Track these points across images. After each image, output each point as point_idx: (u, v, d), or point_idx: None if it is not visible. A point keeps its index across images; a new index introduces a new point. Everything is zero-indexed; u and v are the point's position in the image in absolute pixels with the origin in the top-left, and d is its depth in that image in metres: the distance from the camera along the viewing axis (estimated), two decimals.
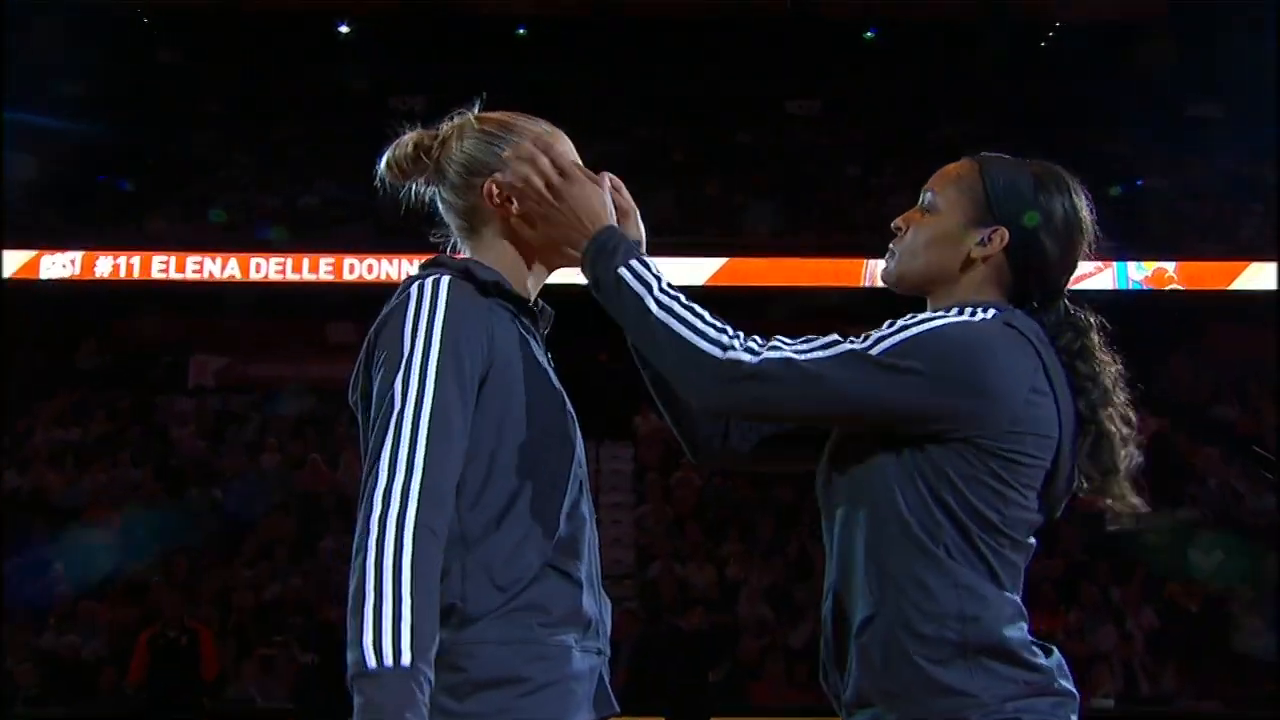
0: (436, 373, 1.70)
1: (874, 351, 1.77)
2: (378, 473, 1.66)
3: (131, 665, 9.02)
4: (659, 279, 1.83)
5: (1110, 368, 1.91)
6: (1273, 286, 15.69)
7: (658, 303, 1.80)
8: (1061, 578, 11.80)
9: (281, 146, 19.04)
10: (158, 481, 13.99)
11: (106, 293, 16.48)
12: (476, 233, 1.95)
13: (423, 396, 1.69)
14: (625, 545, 13.73)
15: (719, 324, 1.80)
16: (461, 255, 1.99)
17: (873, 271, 16.67)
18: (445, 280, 1.79)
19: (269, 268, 16.55)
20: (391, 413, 1.69)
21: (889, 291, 2.03)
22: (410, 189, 2.02)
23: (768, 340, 1.80)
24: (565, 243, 1.89)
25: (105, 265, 16.32)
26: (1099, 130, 18.03)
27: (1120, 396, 1.90)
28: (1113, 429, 1.87)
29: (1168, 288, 16.16)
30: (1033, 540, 1.86)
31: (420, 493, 1.65)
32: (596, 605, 1.85)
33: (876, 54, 19.34)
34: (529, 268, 1.95)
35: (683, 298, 1.82)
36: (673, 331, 1.78)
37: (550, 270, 2.00)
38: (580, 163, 1.97)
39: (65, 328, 16.64)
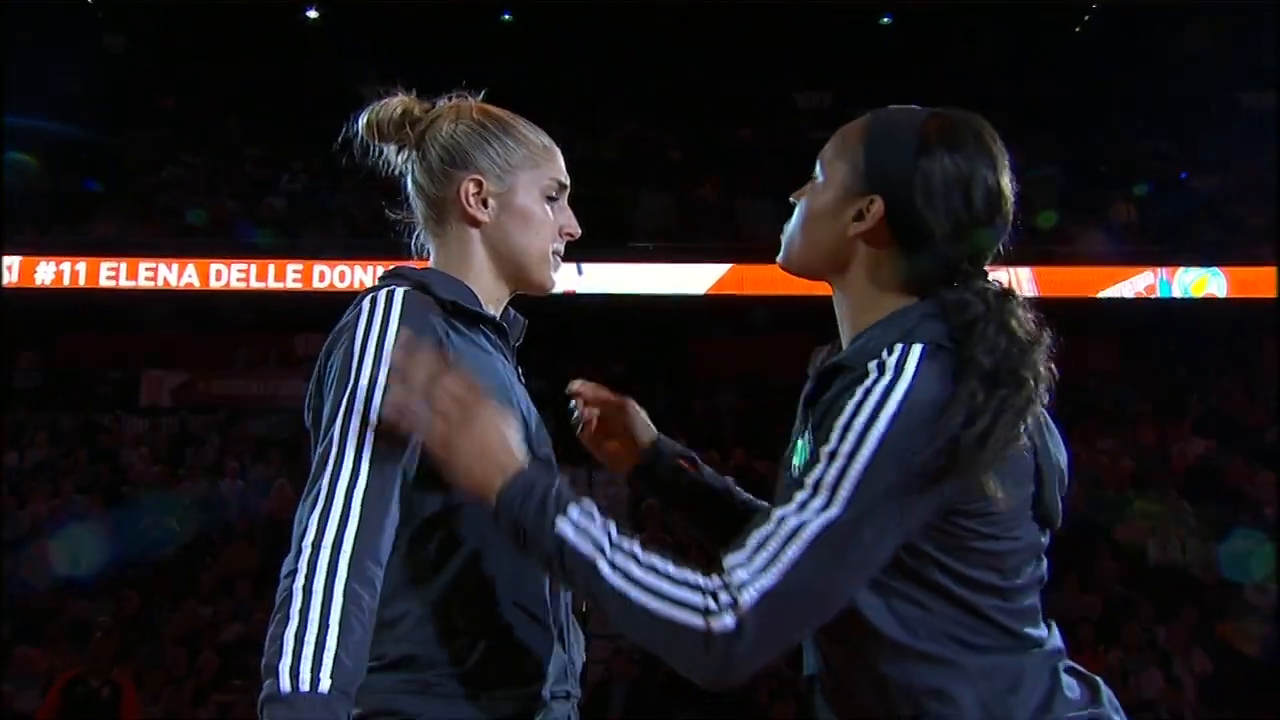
0: (384, 397, 1.70)
1: (834, 512, 1.55)
2: (316, 499, 1.68)
3: (37, 713, 8.70)
4: (607, 534, 1.61)
5: (1036, 334, 1.68)
6: None
7: (613, 567, 1.58)
8: (1100, 617, 11.71)
9: (239, 144, 18.99)
10: (107, 510, 13.92)
11: (47, 303, 16.34)
12: (442, 226, 1.96)
13: (366, 423, 1.70)
14: None
15: (686, 578, 1.57)
16: (424, 263, 1.99)
17: None
18: (399, 294, 1.80)
19: (230, 275, 16.44)
20: (333, 438, 1.71)
21: None
22: (381, 156, 2.01)
23: (722, 569, 1.57)
24: (471, 483, 1.69)
25: (47, 272, 16.22)
26: (1135, 123, 18.11)
27: (1044, 361, 1.67)
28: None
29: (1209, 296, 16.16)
30: (1042, 563, 1.76)
31: (357, 528, 1.66)
32: (565, 648, 1.86)
33: (892, 41, 19.40)
34: (499, 276, 1.96)
35: (639, 554, 1.60)
36: (642, 606, 1.56)
37: (529, 289, 2.00)
38: (568, 184, 1.97)
39: (1, 341, 16.56)
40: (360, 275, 16.02)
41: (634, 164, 18.10)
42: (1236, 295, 16.23)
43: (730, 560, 1.56)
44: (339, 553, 1.64)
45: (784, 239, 1.85)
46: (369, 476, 1.69)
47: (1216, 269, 16.30)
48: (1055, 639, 1.77)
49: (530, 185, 1.95)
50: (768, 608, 1.52)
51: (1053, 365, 1.68)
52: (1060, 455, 1.77)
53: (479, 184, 1.92)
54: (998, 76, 18.20)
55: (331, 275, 16.35)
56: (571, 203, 2.01)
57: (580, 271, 14.89)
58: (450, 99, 2.00)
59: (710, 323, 17.13)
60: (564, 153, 2.02)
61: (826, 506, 1.55)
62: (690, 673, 1.57)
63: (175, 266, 16.34)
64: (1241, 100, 19.07)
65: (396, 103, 1.99)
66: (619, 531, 1.62)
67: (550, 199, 1.97)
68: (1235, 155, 17.77)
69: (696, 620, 1.53)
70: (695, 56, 18.74)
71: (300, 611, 1.61)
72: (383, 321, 1.76)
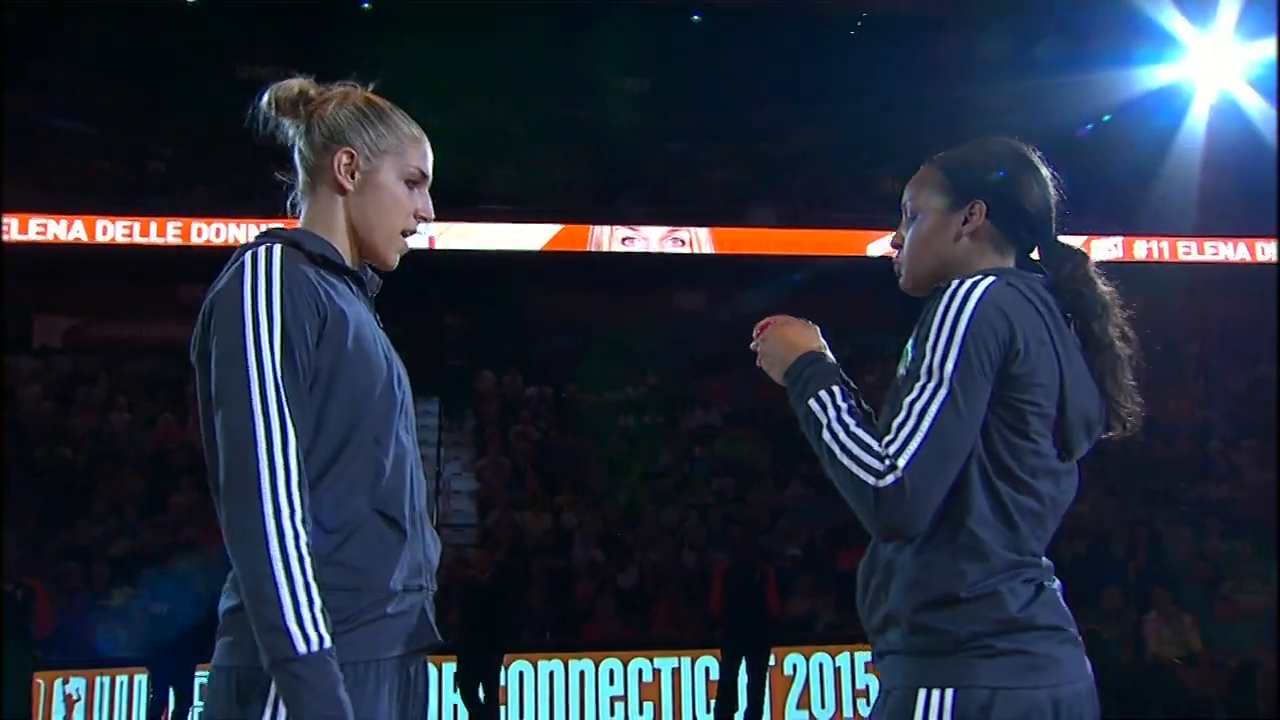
0: (282, 346, 1.71)
1: (945, 390, 1.76)
2: (250, 458, 1.66)
3: None
4: (839, 406, 1.83)
5: (1110, 293, 1.95)
6: None
7: (831, 433, 1.80)
8: None
9: (111, 110, 18.13)
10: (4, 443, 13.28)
11: None
12: (314, 190, 1.96)
13: (274, 374, 1.70)
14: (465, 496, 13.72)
15: (873, 447, 1.76)
16: (293, 223, 1.99)
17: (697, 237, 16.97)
18: (277, 249, 1.79)
19: (115, 231, 15.84)
20: (248, 393, 1.69)
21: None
22: (275, 126, 1.99)
23: (897, 421, 1.78)
24: (774, 372, 1.98)
25: None
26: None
27: (1121, 315, 1.94)
28: (1120, 350, 1.92)
29: None
30: (1061, 489, 1.88)
31: (297, 478, 1.67)
32: (422, 545, 1.87)
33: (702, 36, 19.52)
34: (353, 241, 1.96)
35: (850, 423, 1.80)
36: (843, 465, 1.77)
37: (373, 260, 2.00)
38: (429, 174, 1.98)
39: None
40: (235, 232, 15.59)
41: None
42: None
43: (886, 439, 1.76)
44: (293, 514, 1.65)
45: (902, 268, 2.04)
46: (284, 433, 1.69)
47: None
48: (1048, 561, 1.88)
49: (392, 168, 1.95)
50: (919, 466, 1.72)
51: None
52: (1090, 404, 1.89)
53: (351, 156, 1.93)
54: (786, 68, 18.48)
55: (209, 231, 15.90)
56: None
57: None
58: (342, 85, 2.01)
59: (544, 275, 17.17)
60: (421, 124, 2.01)
61: (940, 385, 1.76)
62: (869, 522, 1.77)
63: (64, 222, 15.72)
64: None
65: (295, 83, 1.97)
66: (851, 405, 1.84)
67: (410, 183, 1.98)
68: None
69: (870, 479, 1.74)
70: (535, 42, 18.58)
71: (284, 575, 1.63)
72: (266, 273, 1.76)
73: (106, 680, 9.37)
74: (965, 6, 18.26)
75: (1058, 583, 1.88)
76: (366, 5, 18.95)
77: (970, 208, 1.96)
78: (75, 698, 9.31)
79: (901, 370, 1.86)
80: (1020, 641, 1.76)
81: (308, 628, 1.61)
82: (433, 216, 2.01)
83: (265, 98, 1.97)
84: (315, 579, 1.64)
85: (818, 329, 2.01)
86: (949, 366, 1.76)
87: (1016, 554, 1.80)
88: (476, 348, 16.59)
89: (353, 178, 1.93)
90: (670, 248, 16.94)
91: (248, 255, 1.79)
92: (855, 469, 1.75)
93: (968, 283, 1.82)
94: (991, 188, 1.96)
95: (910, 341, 1.86)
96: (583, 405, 15.23)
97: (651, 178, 18.27)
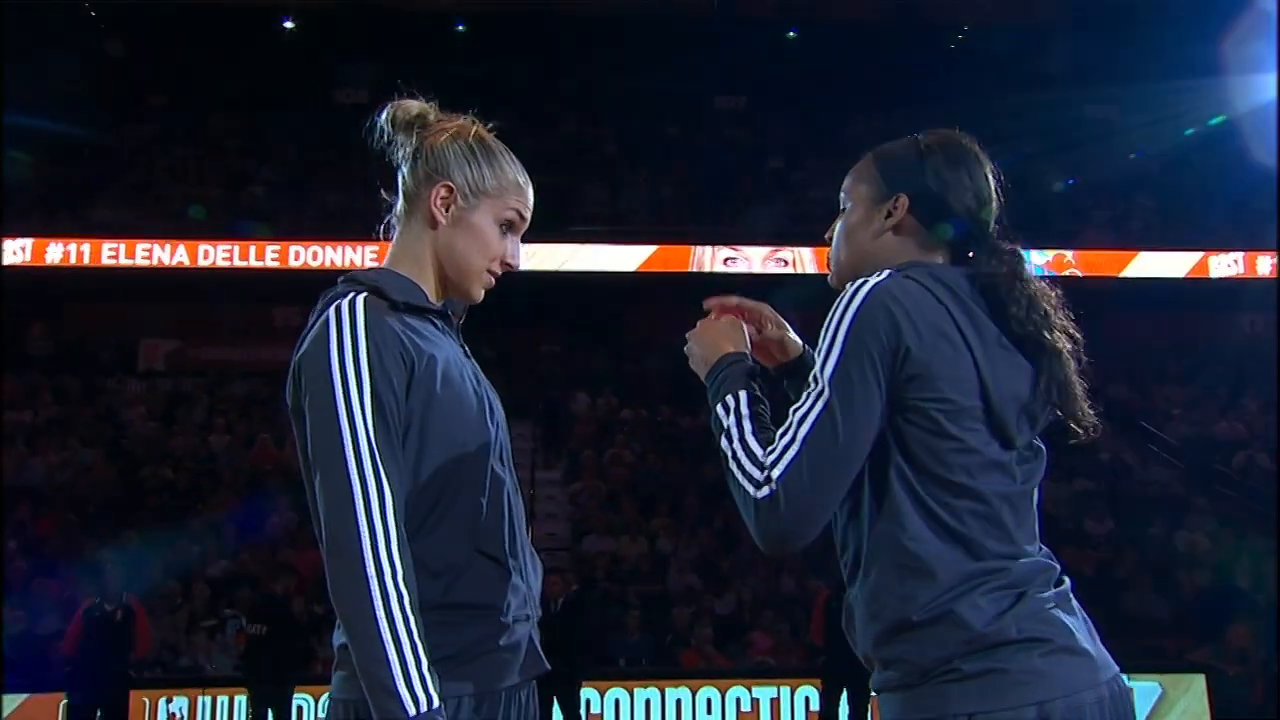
0: (373, 403, 1.74)
1: (825, 395, 1.70)
2: (350, 521, 1.69)
3: (66, 633, 8.90)
4: (739, 413, 1.82)
5: (1048, 292, 1.84)
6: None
7: (727, 438, 1.79)
8: None
9: (220, 139, 18.74)
10: (110, 463, 13.74)
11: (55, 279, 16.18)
12: (409, 219, 1.98)
13: (368, 434, 1.73)
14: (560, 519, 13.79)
15: (758, 458, 1.73)
16: (384, 248, 2.02)
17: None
18: (360, 301, 1.82)
19: (216, 255, 16.33)
20: (343, 458, 1.72)
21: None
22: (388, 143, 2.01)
23: (776, 447, 1.73)
24: (699, 371, 1.96)
25: (55, 252, 16.07)
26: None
27: (1061, 316, 1.82)
28: (1061, 347, 1.79)
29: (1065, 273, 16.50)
30: (1016, 479, 1.74)
31: (397, 538, 1.70)
32: (524, 575, 1.90)
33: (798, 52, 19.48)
34: (438, 276, 1.97)
35: (748, 431, 1.78)
36: (732, 475, 1.76)
37: (457, 295, 2.01)
38: (527, 220, 2.01)
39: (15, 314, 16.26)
40: (330, 255, 15.95)
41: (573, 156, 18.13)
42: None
43: (768, 449, 1.73)
44: (395, 573, 1.69)
45: (830, 262, 1.99)
46: (381, 491, 1.72)
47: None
48: (1034, 560, 1.73)
49: (489, 210, 1.96)
50: (793, 477, 1.68)
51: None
52: (1021, 387, 1.77)
53: (450, 191, 1.94)
54: (891, 84, 18.34)
55: (305, 255, 16.28)
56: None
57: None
58: (461, 118, 2.02)
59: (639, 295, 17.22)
60: (511, 145, 2.02)
61: (820, 393, 1.71)
62: (753, 534, 1.73)
63: (168, 247, 16.23)
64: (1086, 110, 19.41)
65: (416, 105, 2.00)
66: (753, 412, 1.81)
67: (505, 227, 1.99)
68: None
69: (751, 489, 1.71)
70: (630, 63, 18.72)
71: (392, 638, 1.66)
72: (351, 329, 1.79)
73: (208, 700, 9.63)
74: (1067, 13, 17.96)
75: (1066, 582, 1.75)
76: (461, 27, 19.31)
77: (894, 201, 1.88)
78: (178, 716, 9.60)
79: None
80: (993, 659, 1.63)
81: (416, 689, 1.64)
82: (519, 265, 2.01)
83: (385, 113, 1.99)
84: (422, 639, 1.67)
85: (744, 326, 1.99)
86: (828, 371, 1.71)
87: (974, 562, 1.67)
88: (571, 370, 16.70)
89: (447, 211, 1.94)
90: (773, 268, 16.87)
91: (331, 311, 1.81)
92: (741, 478, 1.73)
93: (859, 282, 1.75)
94: (917, 181, 1.88)
95: None
96: (678, 428, 15.22)
97: (748, 196, 18.24)
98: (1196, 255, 17.04)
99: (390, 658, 1.64)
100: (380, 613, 1.66)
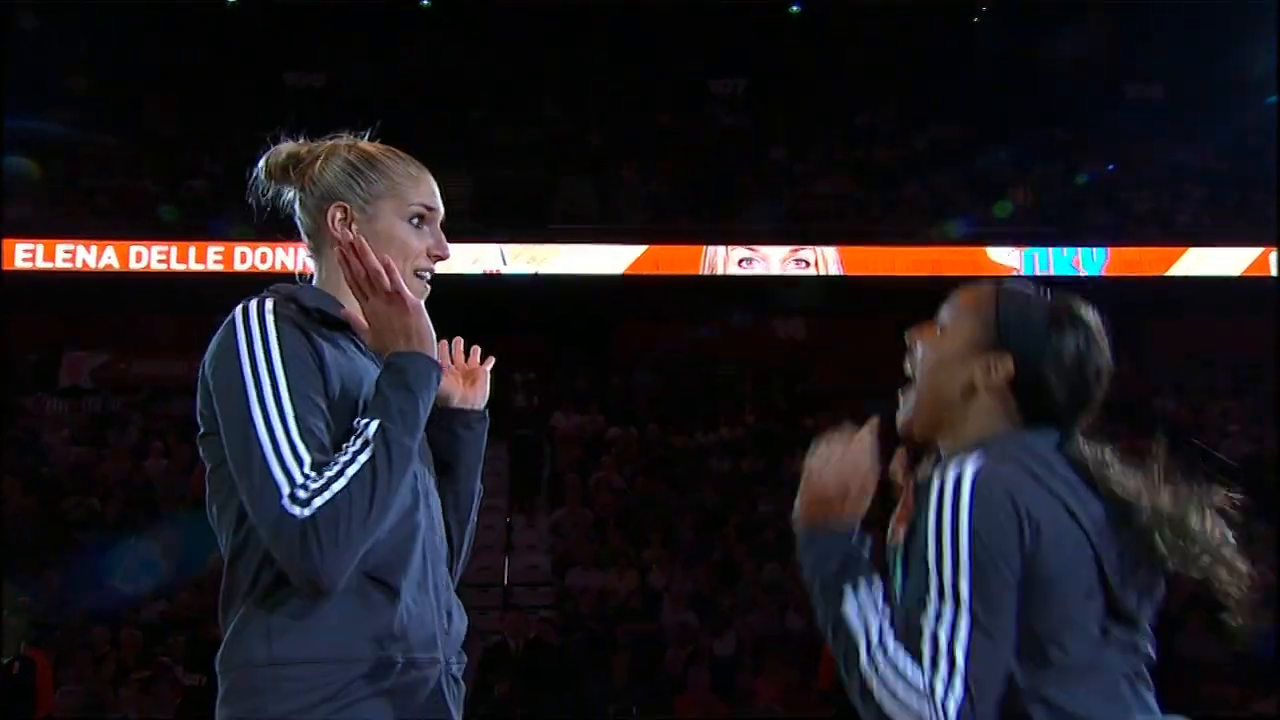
0: (285, 377, 1.87)
1: (966, 609, 1.77)
2: (253, 436, 1.85)
3: None
4: (878, 623, 1.89)
5: (1130, 473, 1.92)
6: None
7: (870, 657, 1.85)
8: None
9: (154, 126, 18.68)
10: (27, 494, 13.68)
11: None
12: (320, 254, 2.11)
13: (284, 418, 1.85)
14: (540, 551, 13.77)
15: (917, 684, 1.79)
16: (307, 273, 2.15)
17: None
18: (269, 301, 1.94)
19: (150, 257, 16.25)
20: (246, 401, 1.86)
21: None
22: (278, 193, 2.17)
23: (926, 656, 1.80)
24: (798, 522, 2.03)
25: None
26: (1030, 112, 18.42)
27: (1166, 492, 1.92)
28: (1153, 524, 1.90)
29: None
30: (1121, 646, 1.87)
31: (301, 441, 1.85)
32: (434, 615, 1.95)
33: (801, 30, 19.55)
34: None
35: (890, 647, 1.84)
36: (879, 700, 1.82)
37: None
38: (436, 207, 2.10)
39: None
40: (282, 257, 15.91)
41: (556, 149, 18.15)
42: (1125, 274, 16.73)
43: (925, 675, 1.77)
44: (298, 455, 1.84)
45: (911, 397, 2.03)
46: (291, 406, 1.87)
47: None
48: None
49: (392, 211, 2.07)
50: (966, 701, 1.74)
51: None
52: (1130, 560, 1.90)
53: (344, 211, 2.05)
54: (900, 65, 18.42)
55: (253, 257, 16.25)
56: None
57: (504, 260, 14.93)
58: (333, 139, 2.14)
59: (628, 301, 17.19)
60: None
61: (958, 610, 1.77)
62: None
63: (94, 248, 16.18)
64: (1127, 91, 19.51)
65: (284, 148, 2.14)
66: (884, 620, 1.85)
67: (415, 221, 2.08)
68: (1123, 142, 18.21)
69: (925, 707, 1.76)
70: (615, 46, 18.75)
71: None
72: (260, 321, 1.91)
73: None
74: None
75: None
76: (426, 3, 19.29)
77: (998, 359, 1.93)
78: None
79: (898, 572, 1.88)
80: None
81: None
82: (448, 252, 2.12)
83: (260, 167, 2.15)
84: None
85: (864, 487, 1.96)
86: (963, 586, 1.77)
87: None
88: (550, 385, 16.68)
89: (351, 230, 2.03)
90: (794, 270, 16.81)
91: (238, 309, 1.94)
92: (899, 712, 1.78)
93: (957, 471, 1.81)
94: (1033, 352, 1.93)
95: (900, 540, 1.89)
96: (671, 448, 15.22)
97: (747, 190, 18.28)
98: (1254, 251, 17.12)
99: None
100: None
